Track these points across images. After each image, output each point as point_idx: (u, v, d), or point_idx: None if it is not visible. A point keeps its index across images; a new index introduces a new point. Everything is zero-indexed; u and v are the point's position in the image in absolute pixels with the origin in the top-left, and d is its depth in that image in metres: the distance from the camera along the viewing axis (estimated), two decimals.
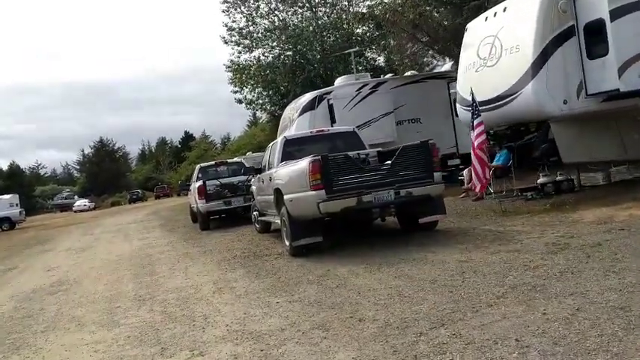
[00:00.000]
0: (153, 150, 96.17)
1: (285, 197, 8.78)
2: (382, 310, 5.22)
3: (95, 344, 5.70)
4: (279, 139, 10.71)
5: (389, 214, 8.43)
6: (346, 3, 38.03)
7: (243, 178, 16.79)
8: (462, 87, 11.47)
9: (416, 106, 17.27)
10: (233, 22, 37.12)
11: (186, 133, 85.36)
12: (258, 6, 37.18)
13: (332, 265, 7.70)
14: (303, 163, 8.28)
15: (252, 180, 15.73)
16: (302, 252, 8.80)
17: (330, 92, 17.21)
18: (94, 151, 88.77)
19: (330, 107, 16.85)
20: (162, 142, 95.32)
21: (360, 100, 16.78)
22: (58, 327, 6.76)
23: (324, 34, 37.29)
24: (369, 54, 38.18)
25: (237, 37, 37.78)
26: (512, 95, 9.91)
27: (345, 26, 37.43)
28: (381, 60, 39.00)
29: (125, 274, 10.09)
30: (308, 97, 17.48)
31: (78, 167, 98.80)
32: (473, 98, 10.26)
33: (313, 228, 8.67)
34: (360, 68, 34.23)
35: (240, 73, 38.83)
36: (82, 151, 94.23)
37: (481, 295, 5.24)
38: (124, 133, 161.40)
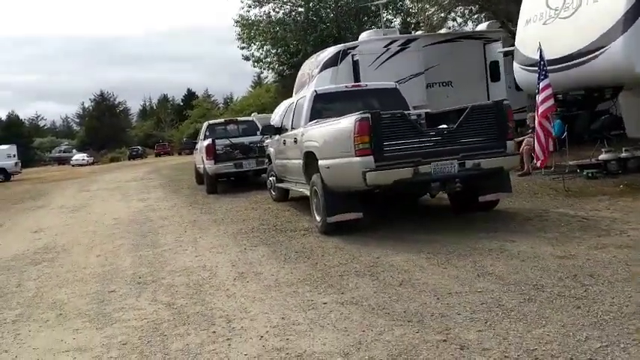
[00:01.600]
0: (154, 106, 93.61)
1: (320, 163, 7.13)
2: (487, 332, 3.63)
3: (78, 353, 4.13)
4: (308, 94, 9.00)
5: (452, 190, 6.77)
6: None
7: (256, 138, 15.08)
8: (523, 42, 9.71)
9: (448, 68, 15.45)
10: None
11: (188, 90, 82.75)
12: None
13: (380, 251, 6.10)
14: (347, 122, 6.60)
15: (269, 141, 14.12)
16: (336, 230, 7.22)
17: (355, 47, 15.36)
18: (94, 105, 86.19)
19: (355, 64, 15.04)
20: (164, 99, 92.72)
21: (389, 58, 14.96)
22: (34, 316, 5.18)
23: None
24: (385, 14, 35.94)
25: None
26: (593, 53, 8.19)
27: None
28: (397, 22, 36.84)
29: (123, 244, 8.51)
30: (331, 51, 15.63)
31: (77, 120, 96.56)
32: (541, 55, 8.52)
33: (352, 201, 7.06)
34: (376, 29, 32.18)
35: (248, 29, 36.69)
36: (82, 104, 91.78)
37: (631, 317, 3.65)
38: (126, 89, 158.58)
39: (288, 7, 36.07)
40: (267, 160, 12.19)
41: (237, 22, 37.02)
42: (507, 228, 6.67)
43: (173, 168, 32.03)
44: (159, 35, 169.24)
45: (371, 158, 6.37)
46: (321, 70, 15.44)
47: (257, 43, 37.32)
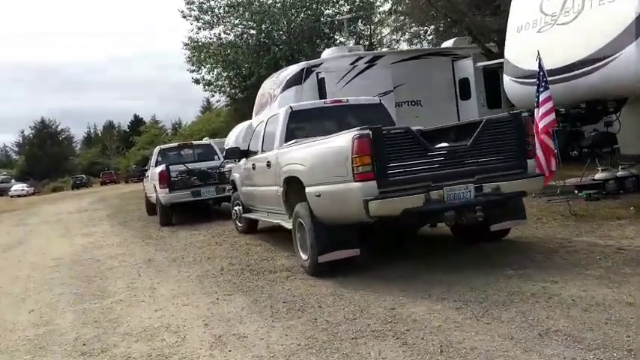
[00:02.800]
0: (99, 133, 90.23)
1: (308, 190, 5.87)
2: None
3: None
4: (282, 111, 7.76)
5: (473, 220, 5.60)
6: None
7: (214, 163, 13.70)
8: (514, 53, 8.81)
9: (417, 86, 14.56)
10: None
11: (135, 116, 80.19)
12: None
13: (392, 299, 4.86)
14: (342, 140, 5.38)
15: (230, 166, 12.78)
16: (328, 270, 5.96)
17: (320, 64, 14.29)
18: (34, 132, 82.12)
19: (320, 82, 13.97)
20: (110, 126, 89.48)
21: (356, 75, 13.95)
22: None
23: (292, 12, 34.17)
24: (338, 37, 35.29)
25: (197, 12, 34.13)
26: (599, 62, 7.33)
27: (313, 6, 34.45)
28: (351, 44, 36.24)
29: (63, 293, 6.96)
30: (293, 69, 14.51)
31: (17, 149, 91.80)
32: (540, 65, 7.58)
33: (347, 235, 5.82)
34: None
35: (198, 52, 35.32)
36: (22, 132, 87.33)
37: None
38: (69, 116, 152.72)
39: (239, 29, 34.95)
40: (230, 188, 10.85)
41: (186, 44, 35.60)
42: (536, 264, 5.54)
43: (120, 197, 29.99)
44: (104, 61, 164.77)
45: (373, 183, 5.16)
46: (283, 89, 14.28)
47: (207, 66, 35.97)
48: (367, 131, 5.20)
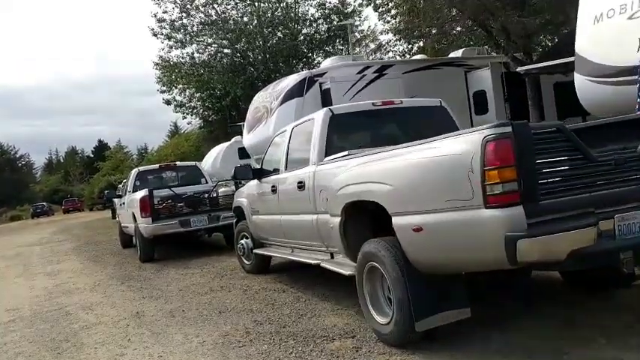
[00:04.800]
0: (61, 160, 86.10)
1: (399, 222, 3.85)
2: None
3: None
4: (319, 116, 5.81)
5: None
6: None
7: (202, 187, 11.60)
8: (593, 46, 7.09)
9: (429, 98, 12.83)
10: (164, 12, 31.39)
11: (100, 141, 76.60)
12: None
13: None
14: (463, 144, 3.44)
15: (225, 190, 10.72)
16: (423, 338, 3.98)
17: (324, 74, 12.39)
18: None
19: (324, 93, 12.04)
20: (73, 152, 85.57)
21: (366, 86, 12.09)
22: None
23: (268, 30, 32.45)
24: (317, 57, 33.65)
25: (169, 30, 32.07)
26: None
27: (290, 25, 32.85)
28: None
29: None
30: (293, 79, 12.56)
31: None
32: None
33: (455, 288, 3.87)
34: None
35: (170, 71, 33.22)
36: None
37: None
38: (29, 142, 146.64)
39: (213, 48, 33.03)
40: (232, 216, 8.79)
41: (157, 64, 33.47)
42: None
43: (86, 226, 27.33)
44: (65, 87, 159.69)
45: (520, 211, 3.22)
46: (282, 102, 12.30)
47: (179, 87, 33.83)
48: (508, 128, 3.28)
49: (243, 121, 27.01)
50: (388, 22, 23.49)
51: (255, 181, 7.38)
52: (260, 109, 13.26)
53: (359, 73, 12.42)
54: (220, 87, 31.81)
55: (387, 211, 3.97)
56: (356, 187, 4.33)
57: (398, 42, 27.02)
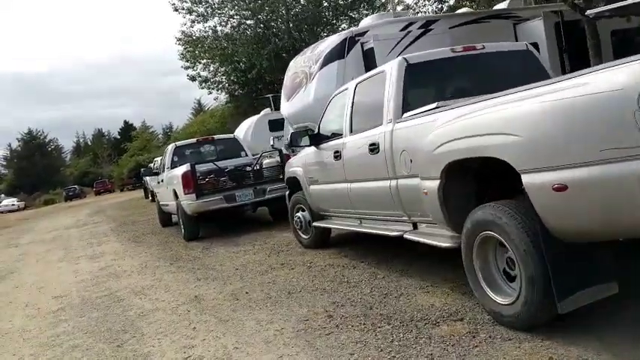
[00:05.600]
0: (89, 142, 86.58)
1: (532, 180, 3.06)
2: None
3: None
4: (391, 67, 5.05)
5: None
6: None
7: (244, 160, 10.98)
8: None
9: None
10: None
11: (125, 123, 76.51)
12: None
13: None
14: (626, 77, 2.66)
15: (270, 161, 10.07)
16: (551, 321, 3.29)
17: (365, 33, 11.52)
18: (22, 145, 78.34)
19: (367, 53, 11.19)
20: (100, 134, 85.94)
21: (411, 43, 11.17)
22: None
23: None
24: (341, 24, 32.53)
25: (190, 4, 31.21)
26: None
27: None
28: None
29: None
30: (333, 40, 11.72)
31: (4, 164, 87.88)
32: None
33: (603, 259, 3.14)
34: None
35: (193, 46, 32.44)
36: (9, 145, 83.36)
37: None
38: (57, 127, 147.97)
39: (235, 20, 32.11)
40: (280, 188, 8.17)
41: (179, 39, 32.70)
42: None
43: (119, 207, 27.10)
44: (88, 70, 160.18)
45: None
46: (322, 66, 11.51)
47: (203, 62, 33.08)
48: None
49: (271, 93, 26.42)
50: None
51: (311, 149, 6.69)
52: (299, 75, 12.48)
53: (403, 29, 11.52)
54: (245, 60, 31.01)
55: (500, 170, 3.23)
56: (463, 142, 3.58)
57: (427, 2, 25.86)
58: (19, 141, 79.59)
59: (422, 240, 4.51)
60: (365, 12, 32.78)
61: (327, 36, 32.12)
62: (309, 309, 4.68)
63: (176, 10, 31.26)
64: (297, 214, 7.35)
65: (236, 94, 34.51)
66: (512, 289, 3.49)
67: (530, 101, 3.10)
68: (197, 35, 32.15)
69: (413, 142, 4.38)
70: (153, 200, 24.18)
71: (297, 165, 7.23)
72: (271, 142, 13.34)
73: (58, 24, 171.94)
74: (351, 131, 5.69)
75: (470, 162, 3.63)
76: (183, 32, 32.16)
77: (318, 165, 6.48)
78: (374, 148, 5.04)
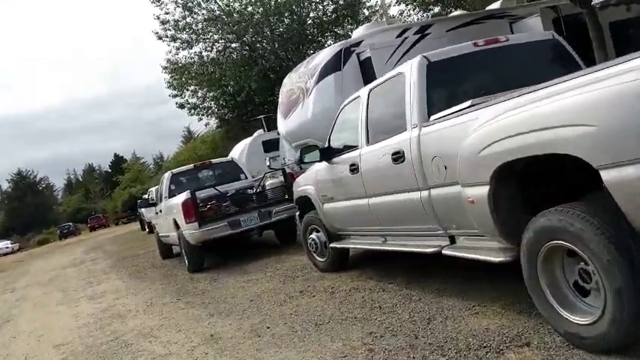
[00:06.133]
0: (80, 179, 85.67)
1: (618, 177, 2.53)
2: None
3: None
4: (411, 67, 4.61)
5: None
6: None
7: (245, 183, 10.48)
8: None
9: None
10: (166, 13, 30.19)
11: (116, 155, 75.85)
12: None
13: None
14: None
15: (274, 182, 9.59)
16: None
17: (360, 43, 11.14)
18: (12, 185, 77.36)
19: (364, 63, 10.79)
20: (90, 169, 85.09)
21: (409, 49, 10.75)
22: None
23: (275, 18, 31.19)
24: (327, 41, 32.29)
25: (173, 32, 30.91)
26: None
27: (296, 9, 31.51)
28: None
29: None
30: (328, 52, 11.33)
31: None
32: None
33: None
34: None
35: (179, 74, 32.07)
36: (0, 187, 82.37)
37: None
38: (46, 166, 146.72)
39: (220, 44, 31.80)
40: (287, 209, 7.68)
41: (165, 68, 32.36)
42: None
43: (116, 241, 26.43)
44: (75, 107, 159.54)
45: None
46: (318, 80, 11.09)
47: (191, 88, 32.67)
48: None
49: (261, 114, 25.99)
50: None
51: (322, 164, 6.20)
52: (295, 91, 12.04)
53: (398, 36, 11.17)
54: (233, 83, 30.66)
55: (556, 169, 2.75)
56: (517, 140, 3.09)
57: (412, 11, 25.70)
58: (8, 182, 78.68)
59: (466, 255, 4.01)
60: (349, 26, 32.59)
61: (313, 53, 31.92)
62: (343, 343, 4.14)
63: (160, 38, 30.93)
64: (311, 235, 6.83)
65: (226, 118, 34.08)
66: (589, 305, 3.00)
67: (604, 84, 2.62)
68: (183, 62, 31.81)
69: (447, 146, 3.91)
70: (150, 232, 23.57)
71: (308, 183, 6.72)
72: (267, 163, 12.88)
73: (41, 63, 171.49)
74: (367, 142, 5.22)
75: (519, 163, 3.16)
76: (168, 60, 31.83)
77: (332, 181, 5.99)
78: (398, 157, 4.57)
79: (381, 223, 5.28)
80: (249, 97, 30.47)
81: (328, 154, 6.01)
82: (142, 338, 5.94)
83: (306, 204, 6.89)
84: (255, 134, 21.88)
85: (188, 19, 30.61)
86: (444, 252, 4.34)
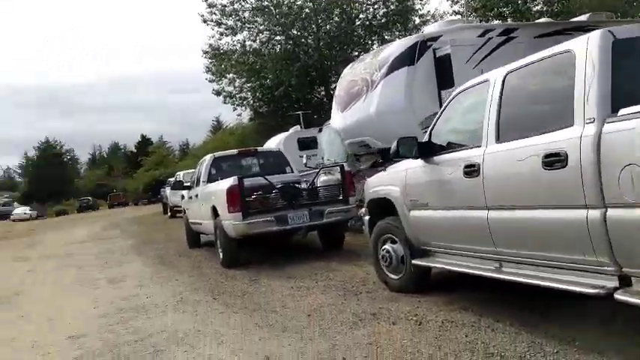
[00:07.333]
0: (105, 155, 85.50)
1: None
2: None
3: None
4: (592, 43, 3.44)
5: None
6: None
7: (291, 176, 9.36)
8: None
9: None
10: None
11: (142, 137, 75.29)
12: None
13: None
14: None
15: (328, 178, 8.49)
16: None
17: (438, 37, 9.98)
18: (38, 153, 77.29)
19: (442, 60, 9.65)
20: (116, 147, 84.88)
21: (492, 51, 9.63)
22: None
23: (322, 16, 30.15)
24: (374, 43, 31.13)
25: (219, 16, 30.08)
26: None
27: (346, 8, 30.44)
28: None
29: None
30: (402, 44, 10.22)
31: (20, 172, 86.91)
32: None
33: None
34: None
35: (220, 60, 31.15)
36: (25, 153, 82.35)
37: None
38: (73, 139, 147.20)
39: (265, 35, 30.83)
40: (362, 211, 6.48)
41: (206, 52, 31.51)
42: None
43: (135, 221, 25.55)
44: (107, 84, 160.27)
45: None
46: (388, 72, 9.99)
47: (229, 76, 31.71)
48: None
49: (297, 111, 24.86)
50: (457, 1, 21.31)
51: (416, 163, 5.00)
52: (357, 82, 10.89)
53: (480, 36, 10.00)
54: (272, 76, 29.63)
55: None
56: None
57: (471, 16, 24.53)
58: (35, 149, 78.69)
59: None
60: (398, 33, 31.44)
61: (357, 56, 30.81)
62: None
63: (204, 21, 30.19)
64: (385, 246, 5.62)
65: (260, 111, 33.08)
66: None
67: None
68: (225, 49, 30.92)
69: None
70: (172, 217, 22.58)
71: (390, 183, 5.52)
72: (304, 161, 11.77)
73: (81, 36, 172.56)
74: (497, 138, 4.02)
75: None
76: (210, 45, 30.98)
77: (431, 184, 4.79)
78: (554, 160, 3.38)
79: (499, 243, 4.07)
80: (287, 92, 29.43)
81: (429, 150, 4.82)
82: (174, 345, 4.79)
83: (381, 208, 5.70)
84: (292, 130, 20.74)
85: (236, 5, 29.78)
86: (616, 297, 3.12)
